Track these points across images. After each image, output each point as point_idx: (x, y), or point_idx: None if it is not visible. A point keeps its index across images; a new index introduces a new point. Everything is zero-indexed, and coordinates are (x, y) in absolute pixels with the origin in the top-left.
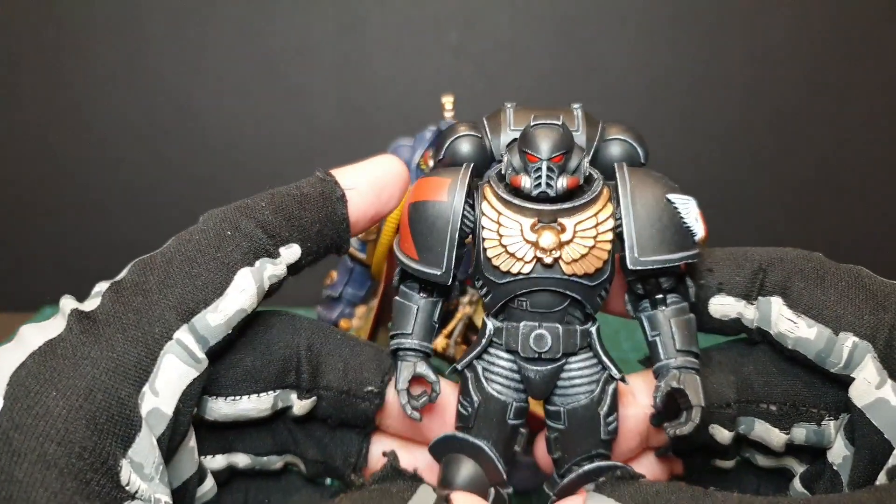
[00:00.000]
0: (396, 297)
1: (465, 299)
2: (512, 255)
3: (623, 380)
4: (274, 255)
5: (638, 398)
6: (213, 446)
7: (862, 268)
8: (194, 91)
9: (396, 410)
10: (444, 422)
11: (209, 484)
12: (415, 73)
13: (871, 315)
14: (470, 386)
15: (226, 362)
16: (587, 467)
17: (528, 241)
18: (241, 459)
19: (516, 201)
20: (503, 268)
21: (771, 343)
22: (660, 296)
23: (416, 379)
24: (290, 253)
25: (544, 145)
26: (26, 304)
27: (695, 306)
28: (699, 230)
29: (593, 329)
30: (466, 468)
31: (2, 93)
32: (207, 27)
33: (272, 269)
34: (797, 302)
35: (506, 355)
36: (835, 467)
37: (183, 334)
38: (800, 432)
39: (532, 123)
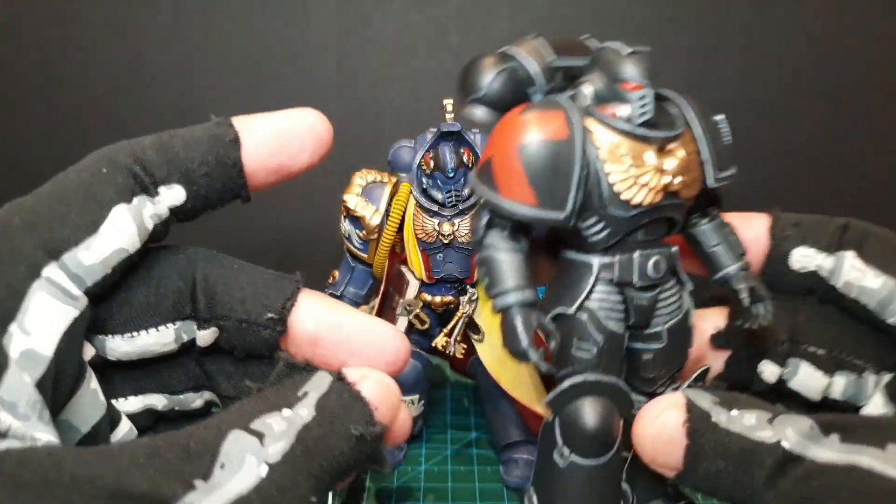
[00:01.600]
0: (482, 254)
1: (465, 299)
2: (643, 185)
3: (692, 290)
4: (152, 193)
5: (698, 325)
6: (123, 388)
7: None
8: (195, 92)
9: (300, 337)
10: (350, 351)
11: (125, 427)
12: (415, 76)
13: None
14: (588, 327)
15: (118, 299)
16: (694, 376)
17: (655, 170)
18: (158, 400)
19: (637, 131)
20: (634, 201)
21: (833, 300)
22: (706, 210)
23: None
24: (173, 194)
25: (642, 72)
26: None
27: (776, 258)
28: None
29: (673, 249)
30: (602, 407)
31: (4, 94)
32: (208, 29)
33: (152, 208)
34: (868, 256)
35: (612, 289)
36: None
37: (52, 271)
38: (840, 381)
39: (625, 52)
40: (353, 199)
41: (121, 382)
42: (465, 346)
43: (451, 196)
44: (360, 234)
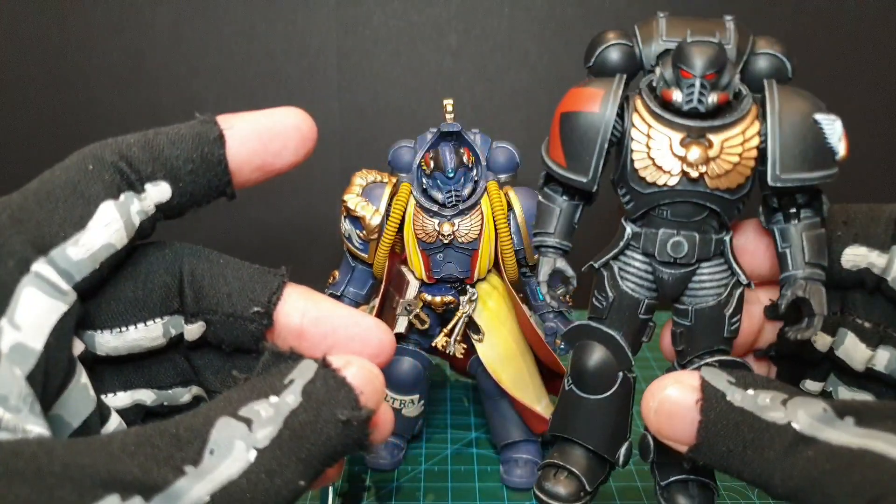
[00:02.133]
0: (540, 199)
1: (465, 298)
2: (659, 167)
3: (750, 285)
4: (139, 190)
5: (761, 298)
6: (112, 383)
7: None
8: (195, 92)
9: (286, 331)
10: (335, 344)
11: (115, 422)
12: (415, 76)
13: None
14: (606, 283)
15: (107, 295)
16: (709, 360)
17: (676, 156)
18: (146, 395)
19: (667, 115)
20: (649, 179)
21: (882, 291)
22: (793, 210)
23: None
24: (158, 191)
25: (699, 62)
26: None
27: (829, 257)
28: (841, 149)
29: (727, 238)
30: (598, 352)
31: (4, 93)
32: (208, 29)
33: (138, 204)
34: None
35: (641, 257)
36: None
37: (41, 266)
38: (883, 355)
39: (689, 39)
40: (353, 200)
41: (110, 378)
42: (465, 346)
43: (451, 196)
44: (361, 234)
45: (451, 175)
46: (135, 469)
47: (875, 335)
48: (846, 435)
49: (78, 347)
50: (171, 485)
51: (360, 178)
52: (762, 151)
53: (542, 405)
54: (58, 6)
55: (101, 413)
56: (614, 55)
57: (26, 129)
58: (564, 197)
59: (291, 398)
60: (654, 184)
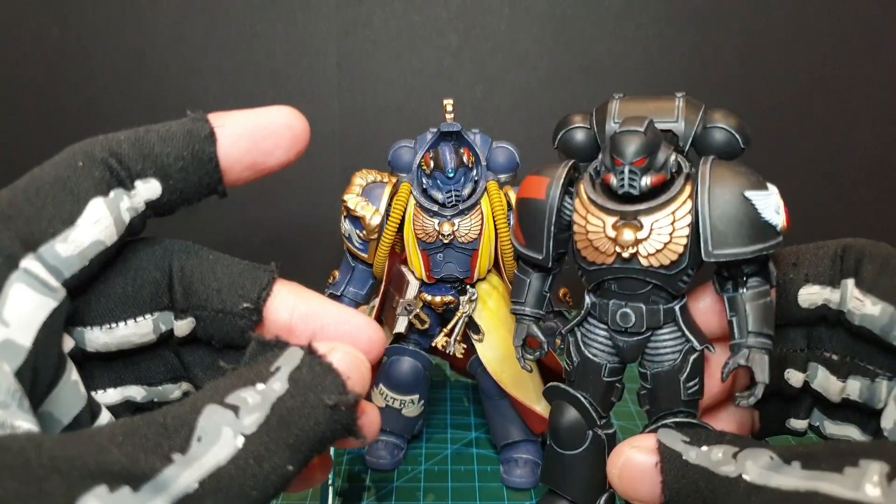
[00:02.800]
0: (516, 272)
1: (465, 298)
2: (596, 248)
3: (709, 349)
4: (128, 187)
5: (718, 359)
6: (102, 380)
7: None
8: (195, 92)
9: (276, 326)
10: (324, 340)
11: (105, 419)
12: (415, 76)
13: None
14: (571, 348)
15: (96, 291)
16: (667, 421)
17: (608, 238)
18: (136, 391)
19: (600, 201)
20: (589, 259)
21: (843, 323)
22: (741, 279)
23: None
24: (149, 188)
25: (627, 150)
26: None
27: (784, 299)
28: (779, 222)
29: (678, 307)
30: (569, 412)
31: (5, 93)
32: (209, 29)
33: (128, 201)
34: (864, 282)
35: (601, 325)
36: (885, 433)
37: (30, 263)
38: (854, 385)
39: (619, 130)
40: (353, 200)
41: (100, 374)
42: (465, 346)
43: (451, 196)
44: (361, 235)
45: (451, 175)
46: (122, 459)
47: (843, 366)
48: (794, 479)
49: (68, 344)
50: (158, 473)
51: (360, 178)
52: (697, 228)
53: (541, 405)
54: (58, 6)
55: (92, 410)
56: (577, 136)
57: (26, 129)
58: (531, 269)
59: (278, 385)
60: (594, 262)
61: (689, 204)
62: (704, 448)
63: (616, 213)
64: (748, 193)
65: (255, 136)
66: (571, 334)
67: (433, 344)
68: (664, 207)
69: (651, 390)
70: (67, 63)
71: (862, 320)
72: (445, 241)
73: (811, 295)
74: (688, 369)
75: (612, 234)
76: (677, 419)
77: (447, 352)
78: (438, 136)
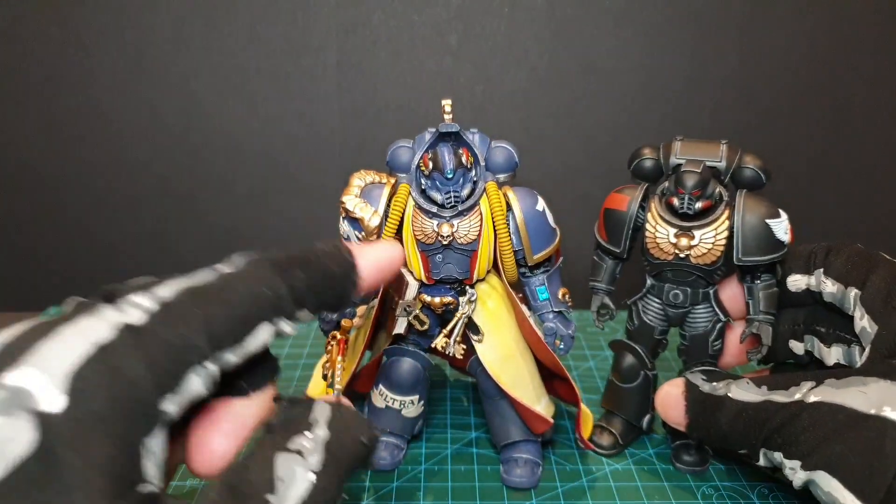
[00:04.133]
0: (593, 258)
1: (464, 299)
2: (661, 249)
3: (729, 321)
4: (293, 318)
5: (737, 329)
6: None
7: (861, 246)
8: (197, 94)
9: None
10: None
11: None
12: (415, 76)
13: (862, 273)
14: (633, 315)
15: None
16: (697, 369)
17: (671, 243)
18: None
19: (666, 216)
20: (655, 255)
21: (822, 303)
22: (757, 275)
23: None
24: (304, 315)
25: (688, 183)
26: (32, 304)
27: (781, 287)
28: (787, 239)
29: (711, 291)
30: (630, 358)
31: (4, 94)
32: (209, 29)
33: (285, 328)
34: (829, 271)
35: (656, 300)
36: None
37: (210, 364)
38: (837, 350)
39: (683, 168)
40: (351, 201)
41: None
42: (464, 347)
43: (450, 197)
44: (359, 236)
45: (450, 176)
46: None
47: (829, 336)
48: (758, 395)
49: None
50: None
51: (359, 179)
52: (731, 240)
53: (541, 405)
54: (58, 6)
55: None
56: (646, 164)
57: (26, 129)
58: (609, 257)
59: (322, 431)
60: (658, 258)
61: (726, 223)
62: (714, 383)
63: (676, 226)
64: (769, 221)
65: (380, 272)
66: (634, 305)
67: (433, 345)
68: (709, 225)
69: (688, 347)
70: (67, 63)
71: (829, 297)
72: (444, 243)
73: (795, 282)
74: (714, 333)
75: (673, 240)
76: (705, 367)
77: (447, 353)
78: (437, 137)
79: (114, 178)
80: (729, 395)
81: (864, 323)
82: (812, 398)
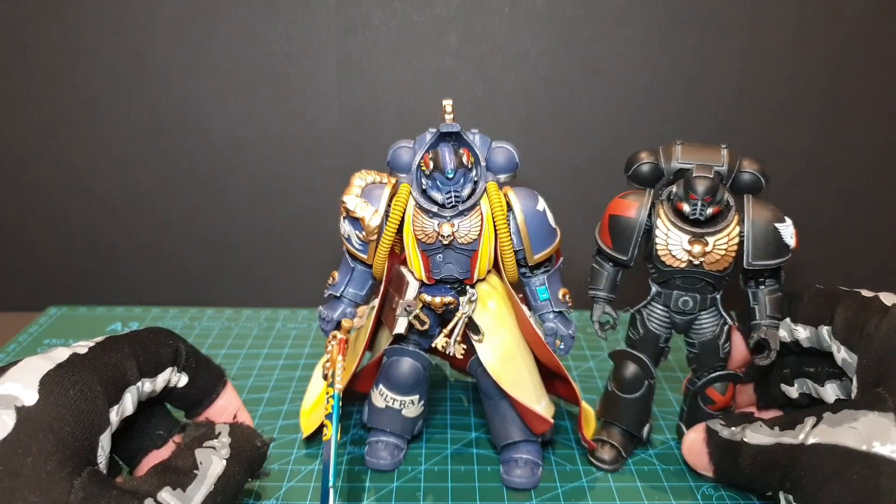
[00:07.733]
0: (593, 265)
1: (465, 299)
2: (674, 256)
3: (738, 327)
4: (181, 370)
5: (742, 336)
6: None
7: (819, 286)
8: (196, 94)
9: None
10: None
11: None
12: (415, 76)
13: (827, 309)
14: (637, 323)
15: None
16: (713, 375)
17: (684, 250)
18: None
19: (679, 223)
20: (667, 262)
21: (806, 350)
22: (762, 279)
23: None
24: (181, 378)
25: (700, 189)
26: (32, 304)
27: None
28: (792, 244)
29: (718, 296)
30: (631, 368)
31: (4, 94)
32: (209, 29)
33: (179, 377)
34: (795, 316)
35: (661, 307)
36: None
37: (137, 389)
38: (832, 387)
39: (694, 175)
40: (352, 200)
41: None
42: (464, 347)
43: (451, 197)
44: (360, 235)
45: (451, 176)
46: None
47: (821, 375)
48: (770, 437)
49: None
50: (193, 481)
51: (360, 179)
52: (741, 245)
53: (541, 405)
54: (58, 6)
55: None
56: (644, 168)
57: (26, 129)
58: (610, 264)
59: (226, 438)
60: (669, 265)
61: (737, 229)
62: (732, 428)
63: (689, 233)
64: (776, 225)
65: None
66: (638, 313)
67: (433, 345)
68: (722, 231)
69: (698, 354)
70: (67, 63)
71: (804, 343)
72: (445, 242)
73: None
74: (724, 336)
75: (687, 247)
76: (717, 372)
77: (447, 353)
78: (438, 137)
79: (114, 178)
80: (745, 439)
81: (843, 355)
82: (811, 440)
